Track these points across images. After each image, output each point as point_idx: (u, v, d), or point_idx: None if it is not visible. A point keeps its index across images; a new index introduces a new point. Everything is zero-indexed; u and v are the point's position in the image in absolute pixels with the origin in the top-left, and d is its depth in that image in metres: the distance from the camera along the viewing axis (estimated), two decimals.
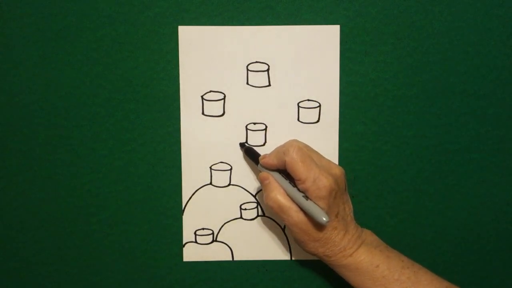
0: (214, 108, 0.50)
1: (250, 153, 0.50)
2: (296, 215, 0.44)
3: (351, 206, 0.47)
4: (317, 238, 0.44)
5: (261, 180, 0.47)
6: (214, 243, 0.52)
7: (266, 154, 0.47)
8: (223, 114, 0.50)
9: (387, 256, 0.45)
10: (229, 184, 0.51)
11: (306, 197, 0.43)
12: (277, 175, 0.46)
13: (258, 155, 0.49)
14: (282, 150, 0.45)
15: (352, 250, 0.44)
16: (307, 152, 0.45)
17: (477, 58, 0.50)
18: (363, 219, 0.51)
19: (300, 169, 0.43)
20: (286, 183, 0.45)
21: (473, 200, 0.51)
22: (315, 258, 0.50)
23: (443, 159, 0.51)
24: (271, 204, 0.45)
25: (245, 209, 0.51)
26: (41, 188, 0.51)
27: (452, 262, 0.52)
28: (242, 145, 0.50)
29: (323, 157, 0.47)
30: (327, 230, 0.44)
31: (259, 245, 0.52)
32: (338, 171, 0.45)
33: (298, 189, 0.44)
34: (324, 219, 0.42)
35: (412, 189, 0.51)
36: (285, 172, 0.46)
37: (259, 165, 0.48)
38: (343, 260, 0.45)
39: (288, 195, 0.45)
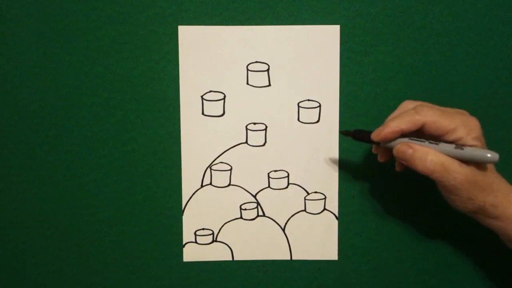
0: (214, 108, 0.50)
1: (359, 135, 0.46)
2: (462, 169, 0.41)
3: None
4: (485, 186, 0.42)
5: (402, 152, 0.42)
6: (214, 243, 0.52)
7: (380, 127, 0.43)
8: (223, 114, 0.50)
9: None
10: (229, 184, 0.51)
11: (460, 146, 0.41)
12: (410, 140, 0.42)
13: (367, 132, 0.45)
14: (408, 114, 0.42)
15: None
16: (434, 105, 0.43)
17: (477, 58, 0.50)
18: (363, 219, 0.51)
19: (445, 121, 0.41)
20: (428, 144, 0.42)
21: None
22: (315, 258, 0.50)
23: None
24: (433, 168, 0.41)
25: (245, 209, 0.51)
26: (41, 188, 0.51)
27: (452, 262, 0.51)
28: (345, 132, 0.47)
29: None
30: (492, 172, 0.42)
31: (259, 245, 0.52)
32: (462, 110, 0.43)
33: (446, 142, 0.41)
34: (490, 155, 0.40)
35: (412, 189, 0.51)
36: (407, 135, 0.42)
37: (375, 145, 0.45)
38: (510, 208, 0.42)
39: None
